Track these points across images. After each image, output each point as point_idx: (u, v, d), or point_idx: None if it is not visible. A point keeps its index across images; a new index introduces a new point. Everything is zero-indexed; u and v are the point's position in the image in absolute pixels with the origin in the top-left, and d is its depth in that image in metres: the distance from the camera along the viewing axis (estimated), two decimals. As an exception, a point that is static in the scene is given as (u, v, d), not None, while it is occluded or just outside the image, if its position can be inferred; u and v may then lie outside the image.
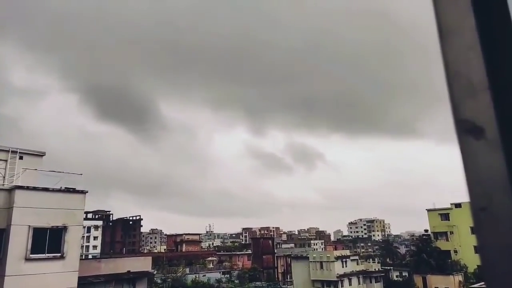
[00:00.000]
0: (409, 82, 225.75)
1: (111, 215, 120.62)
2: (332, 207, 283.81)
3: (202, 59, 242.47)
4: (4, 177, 21.94)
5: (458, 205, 64.03)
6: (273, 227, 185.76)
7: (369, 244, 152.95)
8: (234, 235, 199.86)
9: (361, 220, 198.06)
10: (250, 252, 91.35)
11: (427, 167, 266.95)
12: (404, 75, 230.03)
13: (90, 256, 76.31)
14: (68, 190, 20.78)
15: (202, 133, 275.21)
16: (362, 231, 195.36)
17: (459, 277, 54.26)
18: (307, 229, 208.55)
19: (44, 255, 19.04)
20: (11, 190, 19.14)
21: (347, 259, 60.82)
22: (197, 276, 67.28)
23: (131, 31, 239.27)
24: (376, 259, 76.43)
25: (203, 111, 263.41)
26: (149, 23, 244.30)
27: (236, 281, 67.77)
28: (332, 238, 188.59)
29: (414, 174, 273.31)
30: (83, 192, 21.20)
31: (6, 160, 22.25)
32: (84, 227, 79.41)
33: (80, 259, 22.06)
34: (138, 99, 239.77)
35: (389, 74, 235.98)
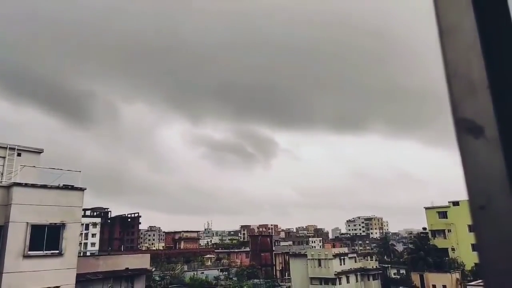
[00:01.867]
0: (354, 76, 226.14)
1: (109, 212, 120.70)
2: (308, 203, 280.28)
3: (127, 50, 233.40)
4: (2, 174, 21.90)
5: (456, 203, 64.31)
6: (272, 225, 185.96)
7: (367, 242, 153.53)
8: (232, 233, 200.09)
9: (359, 218, 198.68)
10: (249, 249, 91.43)
11: (380, 163, 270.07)
12: (350, 69, 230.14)
13: (88, 253, 76.34)
14: (66, 187, 20.77)
15: (142, 124, 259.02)
16: (360, 229, 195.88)
17: (456, 275, 54.47)
18: (305, 226, 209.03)
19: (42, 252, 19.03)
20: (9, 187, 19.11)
21: (345, 257, 60.89)
22: (195, 273, 67.30)
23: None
24: (374, 256, 76.55)
25: (134, 103, 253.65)
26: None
27: (234, 279, 67.79)
28: (330, 236, 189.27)
29: (375, 170, 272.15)
30: (81, 189, 21.19)
31: (4, 157, 22.20)
32: (82, 224, 79.41)
33: (78, 256, 22.05)
34: (66, 86, 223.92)
35: (330, 68, 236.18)
